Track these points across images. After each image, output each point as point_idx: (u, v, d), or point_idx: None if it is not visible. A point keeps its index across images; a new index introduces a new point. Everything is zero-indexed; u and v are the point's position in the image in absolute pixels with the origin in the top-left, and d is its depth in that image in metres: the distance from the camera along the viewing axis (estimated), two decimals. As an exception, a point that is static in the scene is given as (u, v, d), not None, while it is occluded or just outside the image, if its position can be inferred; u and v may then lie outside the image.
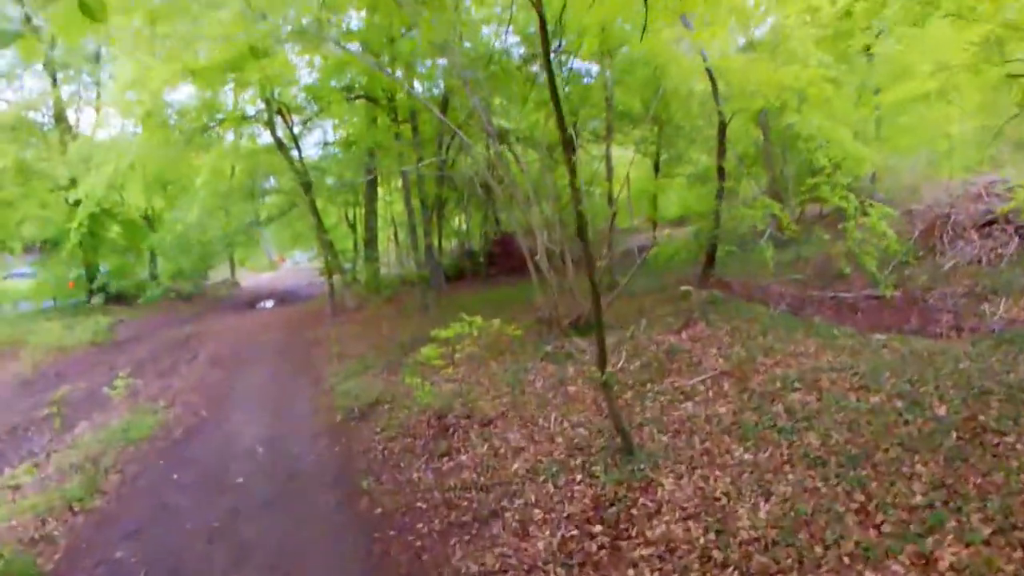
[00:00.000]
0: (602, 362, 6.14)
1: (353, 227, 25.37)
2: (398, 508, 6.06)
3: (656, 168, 24.05)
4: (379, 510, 6.10)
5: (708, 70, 12.63)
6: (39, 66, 25.04)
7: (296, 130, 19.70)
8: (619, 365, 8.91)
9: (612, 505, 5.52)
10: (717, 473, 6.04)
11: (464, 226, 26.58)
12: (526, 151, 26.10)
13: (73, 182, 19.48)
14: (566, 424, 7.44)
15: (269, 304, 27.17)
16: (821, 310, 12.75)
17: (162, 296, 24.22)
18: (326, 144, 23.44)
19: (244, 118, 17.38)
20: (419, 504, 6.06)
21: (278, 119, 18.64)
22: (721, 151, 13.06)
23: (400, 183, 26.56)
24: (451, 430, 7.61)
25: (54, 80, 24.48)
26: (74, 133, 22.69)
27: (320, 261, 20.03)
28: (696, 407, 7.57)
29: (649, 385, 8.27)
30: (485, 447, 7.03)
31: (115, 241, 24.86)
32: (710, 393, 7.88)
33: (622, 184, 13.01)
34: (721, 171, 13.07)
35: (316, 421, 8.96)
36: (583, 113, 18.96)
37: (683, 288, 12.59)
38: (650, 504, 5.53)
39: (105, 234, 24.65)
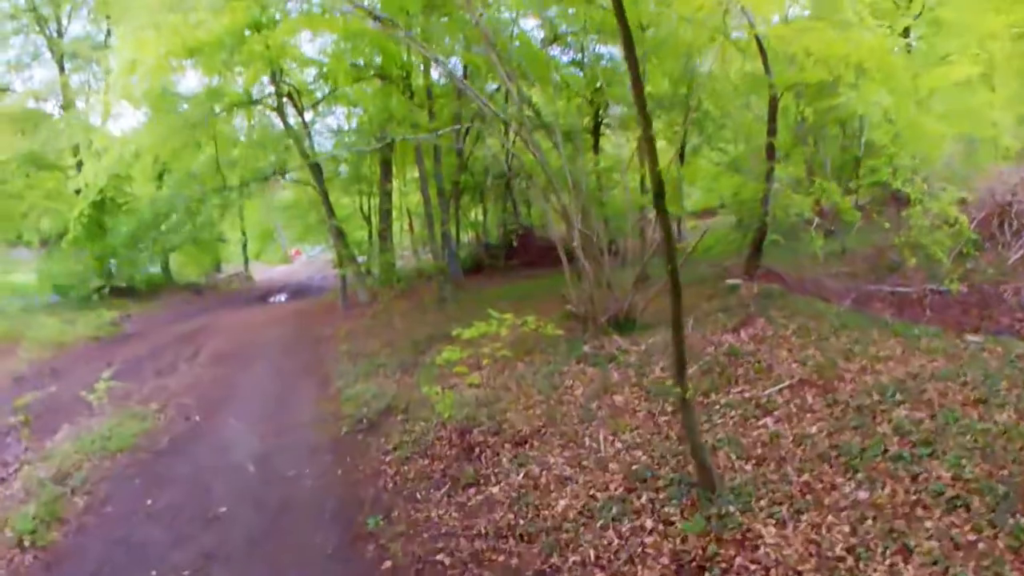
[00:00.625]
0: (681, 372, 4.58)
1: (368, 218, 23.88)
2: (413, 561, 4.54)
3: (681, 156, 22.41)
4: (388, 564, 4.57)
5: (758, 38, 11.01)
6: (48, 55, 23.86)
7: (308, 117, 18.29)
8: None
9: (703, 570, 3.98)
10: (830, 518, 4.50)
11: (482, 217, 25.05)
12: (550, 137, 24.57)
13: (79, 167, 18.21)
14: (619, 445, 5.91)
15: (282, 298, 25.82)
16: (883, 306, 11.16)
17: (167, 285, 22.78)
18: (339, 131, 22.00)
19: (251, 101, 15.91)
20: (440, 557, 4.53)
21: (289, 108, 17.20)
22: (772, 128, 11.43)
23: (416, 173, 25.14)
24: (477, 450, 6.09)
25: (62, 69, 23.20)
26: (71, 117, 21.27)
27: (333, 253, 18.58)
28: (779, 425, 6.02)
29: (714, 395, 6.71)
30: (521, 475, 5.50)
31: (123, 233, 23.43)
32: (792, 406, 6.32)
33: (669, 163, 11.43)
34: (771, 150, 11.46)
35: (318, 432, 7.47)
36: (610, 92, 17.41)
37: (730, 281, 11.01)
38: (753, 567, 3.99)
39: (113, 226, 23.31)
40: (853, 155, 18.51)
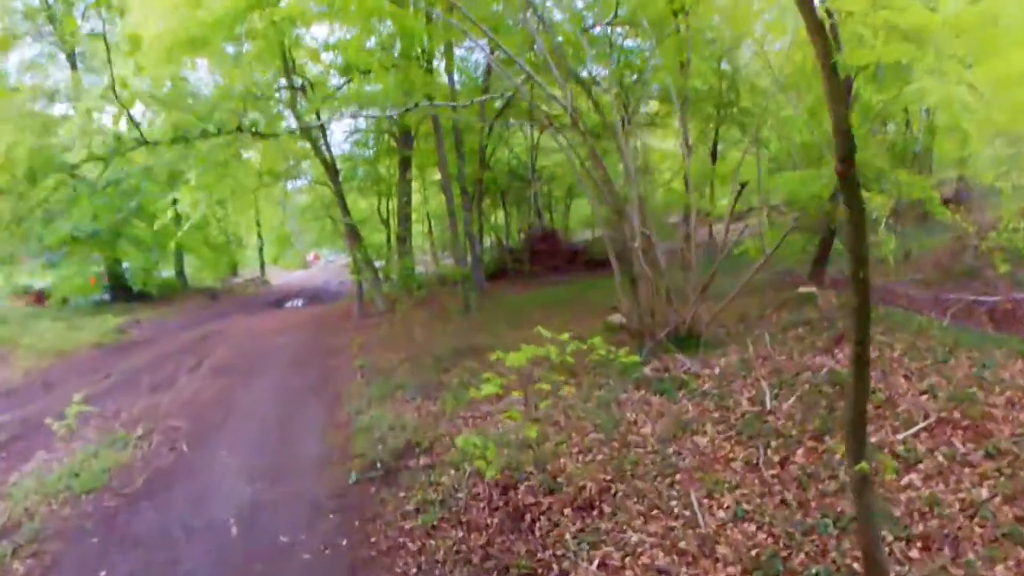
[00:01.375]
0: (861, 437, 2.89)
1: (386, 221, 22.32)
2: None
3: (713, 156, 20.72)
4: None
5: (829, 12, 9.35)
6: (62, 57, 22.69)
7: (324, 115, 16.77)
8: (767, 404, 5.66)
9: None
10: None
11: (502, 221, 23.42)
12: (574, 136, 22.91)
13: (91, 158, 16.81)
14: (721, 514, 4.23)
15: (299, 303, 24.31)
16: (971, 318, 9.41)
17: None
18: (355, 132, 20.50)
19: (261, 96, 14.39)
20: None
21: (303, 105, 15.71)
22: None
23: (436, 175, 23.57)
24: (528, 517, 4.42)
25: (74, 67, 21.97)
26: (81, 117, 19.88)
27: (349, 256, 17.01)
28: (931, 484, 4.32)
29: (829, 439, 5.01)
30: (595, 563, 3.82)
31: (138, 237, 22.05)
32: (939, 457, 4.62)
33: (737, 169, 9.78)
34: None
35: (322, 478, 5.83)
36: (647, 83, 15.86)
37: (803, 289, 9.30)
38: None
39: (128, 230, 21.95)
40: (905, 148, 16.67)
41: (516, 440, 5.50)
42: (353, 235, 14.84)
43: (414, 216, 21.51)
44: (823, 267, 10.25)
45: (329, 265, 36.29)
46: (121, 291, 22.91)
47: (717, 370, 6.72)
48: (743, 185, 7.64)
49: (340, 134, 20.88)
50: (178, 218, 17.68)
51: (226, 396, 9.40)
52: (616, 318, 9.43)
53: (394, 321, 12.48)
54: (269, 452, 6.67)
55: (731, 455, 4.99)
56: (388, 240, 21.67)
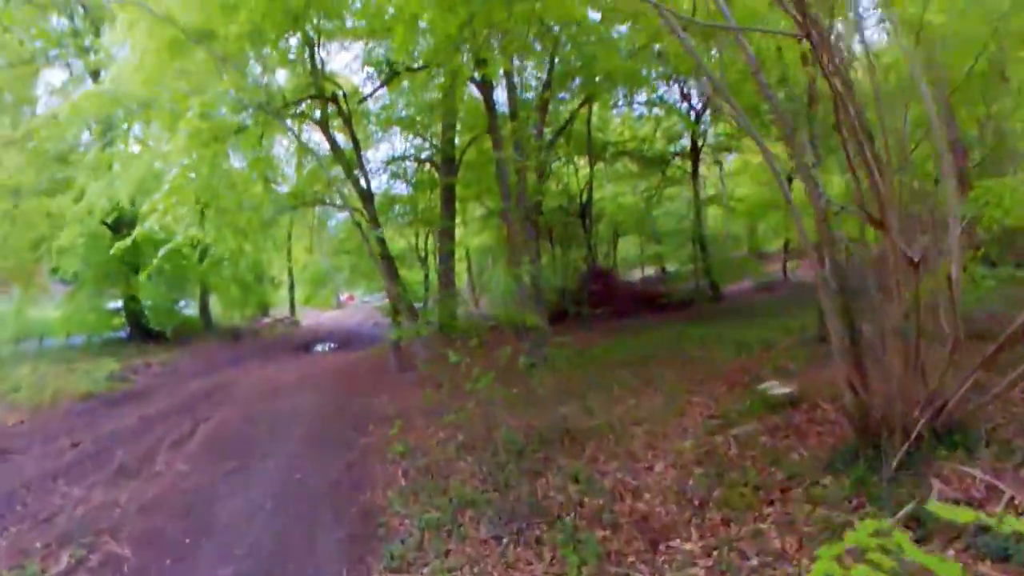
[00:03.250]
0: None
1: (424, 259, 19.35)
2: None
3: (789, 179, 17.54)
4: None
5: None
6: (89, 82, 20.54)
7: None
8: None
9: None
10: None
11: (552, 259, 20.28)
12: (628, 166, 20.02)
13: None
14: None
15: (329, 347, 21.29)
16: None
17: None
18: (392, 160, 17.70)
19: (286, 105, 11.58)
20: None
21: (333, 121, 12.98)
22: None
23: (478, 208, 20.65)
24: None
25: (96, 78, 19.70)
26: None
27: (383, 293, 13.92)
28: None
29: None
30: None
31: (159, 271, 19.28)
32: None
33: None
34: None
35: None
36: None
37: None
38: None
39: (147, 263, 19.21)
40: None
41: None
42: (390, 269, 11.70)
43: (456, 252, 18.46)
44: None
45: (364, 306, 33.42)
46: (138, 329, 20.13)
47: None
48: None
49: (376, 162, 18.26)
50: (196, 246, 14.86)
51: (206, 498, 6.18)
52: (774, 386, 6.11)
53: (441, 377, 9.23)
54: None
55: None
56: (426, 279, 18.66)
